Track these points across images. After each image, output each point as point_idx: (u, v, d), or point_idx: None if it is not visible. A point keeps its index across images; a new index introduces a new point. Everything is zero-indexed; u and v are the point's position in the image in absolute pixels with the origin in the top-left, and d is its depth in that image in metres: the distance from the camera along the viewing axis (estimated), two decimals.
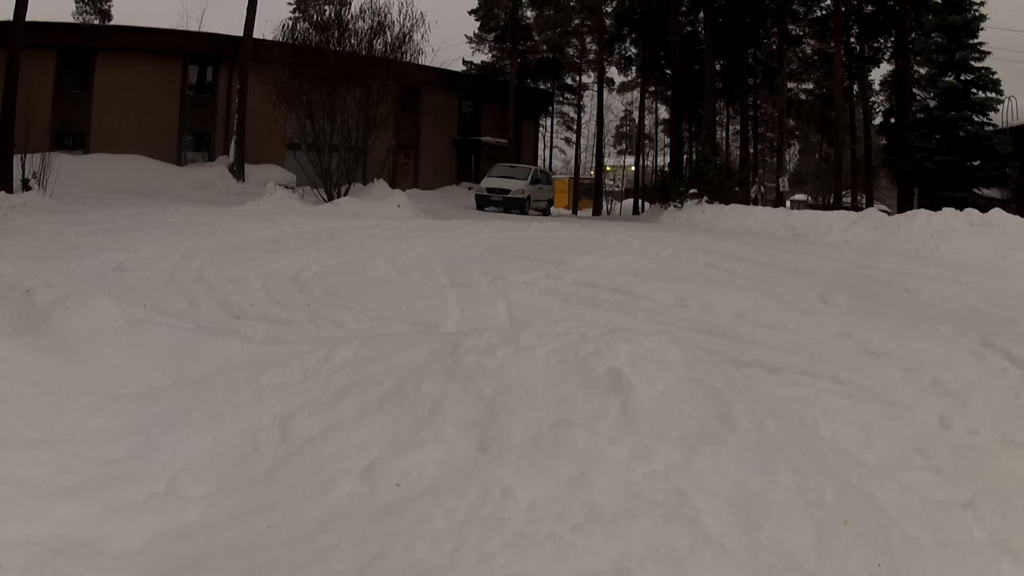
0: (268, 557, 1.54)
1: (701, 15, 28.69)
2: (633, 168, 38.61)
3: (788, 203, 26.34)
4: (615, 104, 41.35)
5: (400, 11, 24.19)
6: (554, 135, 41.54)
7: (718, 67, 28.13)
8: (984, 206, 12.01)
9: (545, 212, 25.20)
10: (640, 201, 34.37)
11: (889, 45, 26.37)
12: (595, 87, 35.72)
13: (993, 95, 20.61)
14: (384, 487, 1.71)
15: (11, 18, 15.00)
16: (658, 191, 27.57)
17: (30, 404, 2.26)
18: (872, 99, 28.70)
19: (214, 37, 24.41)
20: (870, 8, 26.50)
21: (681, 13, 28.65)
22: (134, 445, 2.07)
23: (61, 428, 2.16)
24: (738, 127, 31.79)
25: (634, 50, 34.12)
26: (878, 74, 29.23)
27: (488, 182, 23.65)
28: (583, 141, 39.53)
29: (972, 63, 20.65)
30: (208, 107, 24.56)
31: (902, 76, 23.41)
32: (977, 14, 20.69)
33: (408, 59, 20.35)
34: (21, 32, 15.05)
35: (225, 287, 5.27)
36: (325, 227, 10.31)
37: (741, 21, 28.28)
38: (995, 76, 20.44)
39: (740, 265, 7.13)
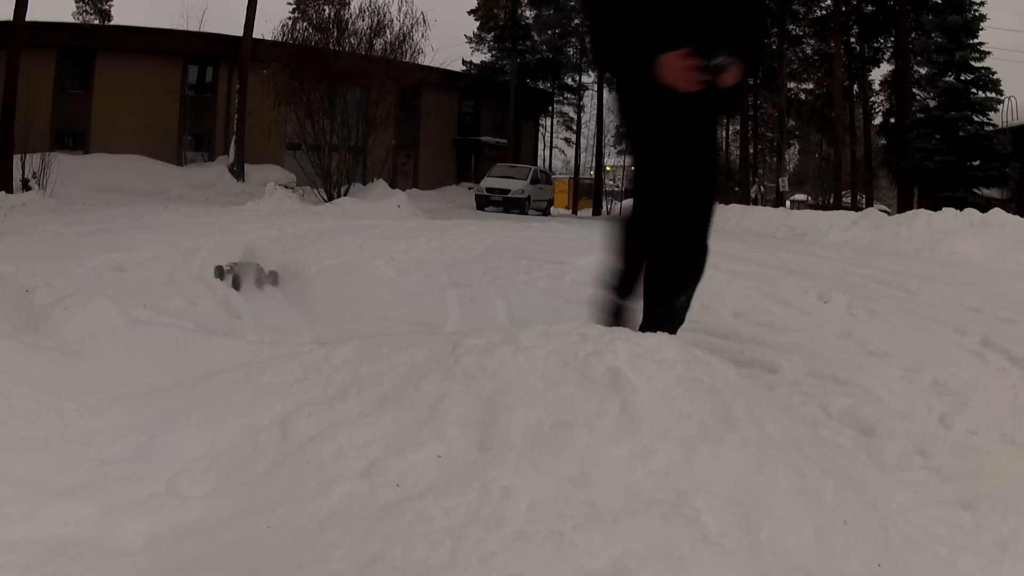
0: (268, 557, 1.54)
1: None
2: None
3: (788, 203, 26.33)
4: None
5: (399, 10, 24.20)
6: (554, 135, 41.49)
7: None
8: (984, 206, 12.04)
9: (545, 212, 25.21)
10: None
11: (889, 45, 26.37)
12: (595, 87, 35.70)
13: (993, 95, 20.61)
14: (384, 487, 1.71)
15: (11, 18, 15.01)
16: None
17: (30, 404, 2.25)
18: (872, 99, 28.70)
19: (214, 37, 24.38)
20: (870, 8, 26.50)
21: None
22: (134, 445, 2.07)
23: (61, 428, 2.16)
24: (738, 127, 31.78)
25: None
26: (878, 74, 29.20)
27: (488, 182, 23.66)
28: (583, 141, 39.50)
29: (972, 63, 20.66)
30: (208, 107, 24.58)
31: (902, 76, 23.41)
32: (977, 14, 20.70)
33: (408, 59, 20.37)
34: (21, 32, 15.07)
35: (225, 287, 5.27)
36: (325, 227, 10.33)
37: None
38: (995, 76, 20.46)
39: (740, 265, 7.13)
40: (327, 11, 21.37)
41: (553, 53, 35.33)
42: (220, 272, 5.07)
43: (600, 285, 3.26)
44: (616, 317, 3.07)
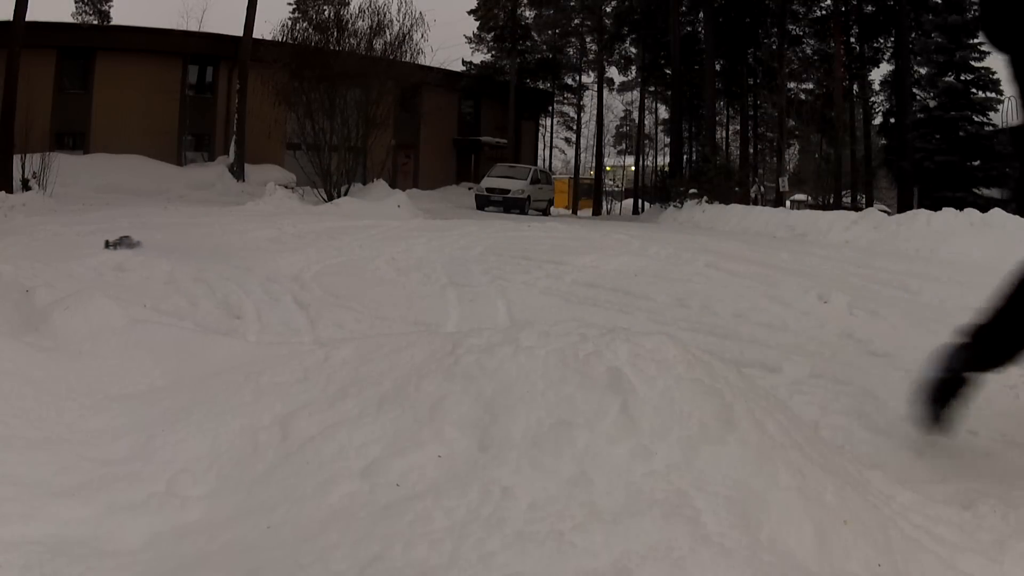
0: (268, 557, 1.54)
1: (701, 15, 28.69)
2: (633, 168, 38.61)
3: (788, 203, 26.32)
4: (615, 104, 41.24)
5: (399, 10, 24.25)
6: (554, 135, 41.45)
7: (718, 67, 28.13)
8: (984, 206, 12.03)
9: (545, 212, 25.18)
10: (640, 201, 34.37)
11: (889, 45, 26.36)
12: (595, 87, 35.69)
13: (993, 95, 20.60)
14: (384, 487, 1.71)
15: (11, 18, 14.99)
16: (658, 191, 27.59)
17: (30, 404, 2.26)
18: (872, 99, 28.70)
19: (214, 37, 24.35)
20: (870, 8, 26.49)
21: (681, 13, 28.65)
22: (134, 445, 2.07)
23: (61, 428, 2.16)
24: (738, 127, 31.81)
25: (634, 50, 34.13)
26: (878, 74, 29.21)
27: (488, 182, 23.62)
28: (583, 141, 39.48)
29: (972, 63, 20.65)
30: (208, 107, 24.55)
31: (902, 76, 23.38)
32: (977, 14, 20.68)
33: (408, 59, 20.34)
34: (21, 32, 15.06)
35: (225, 287, 5.27)
36: (325, 227, 10.32)
37: (741, 21, 28.29)
38: (995, 76, 20.45)
39: (740, 265, 7.13)
40: (327, 11, 21.35)
41: (553, 53, 35.30)
42: (107, 244, 6.63)
43: (954, 341, 2.54)
44: (945, 395, 2.42)
